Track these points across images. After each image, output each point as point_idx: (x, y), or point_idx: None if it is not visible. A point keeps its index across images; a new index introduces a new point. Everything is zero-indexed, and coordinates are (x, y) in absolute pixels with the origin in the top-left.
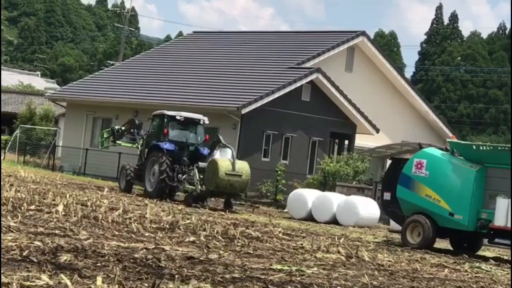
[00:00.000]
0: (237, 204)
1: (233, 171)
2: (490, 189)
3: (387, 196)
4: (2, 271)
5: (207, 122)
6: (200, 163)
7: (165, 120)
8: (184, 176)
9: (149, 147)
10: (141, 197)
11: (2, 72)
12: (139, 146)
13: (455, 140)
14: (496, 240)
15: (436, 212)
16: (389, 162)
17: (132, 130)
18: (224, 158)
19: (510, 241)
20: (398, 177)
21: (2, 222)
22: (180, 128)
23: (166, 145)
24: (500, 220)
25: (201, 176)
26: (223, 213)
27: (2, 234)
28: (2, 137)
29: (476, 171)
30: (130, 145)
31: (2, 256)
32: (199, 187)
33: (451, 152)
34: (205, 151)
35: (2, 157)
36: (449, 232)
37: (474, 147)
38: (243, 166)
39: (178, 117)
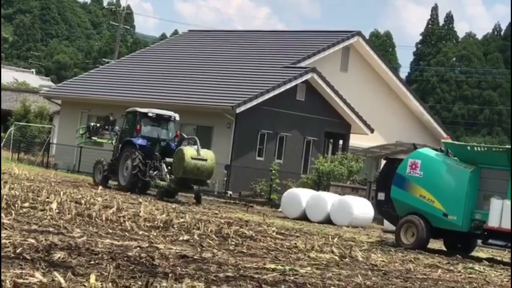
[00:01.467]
0: (232, 204)
1: (198, 155)
2: (484, 190)
3: (381, 196)
4: None
5: (178, 118)
6: (167, 158)
7: (138, 116)
8: (155, 173)
9: (123, 143)
10: (115, 191)
11: None
12: (113, 142)
13: (449, 140)
14: (490, 241)
15: (430, 213)
16: (383, 162)
17: (106, 127)
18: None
19: (511, 242)
20: (392, 177)
21: None
22: (152, 125)
23: (139, 141)
24: (494, 221)
25: (169, 168)
26: (216, 212)
27: None
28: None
29: (470, 172)
30: (105, 140)
31: None
32: (168, 180)
33: (445, 153)
34: (175, 146)
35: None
36: (443, 232)
37: (468, 148)
38: (208, 153)
39: (150, 114)
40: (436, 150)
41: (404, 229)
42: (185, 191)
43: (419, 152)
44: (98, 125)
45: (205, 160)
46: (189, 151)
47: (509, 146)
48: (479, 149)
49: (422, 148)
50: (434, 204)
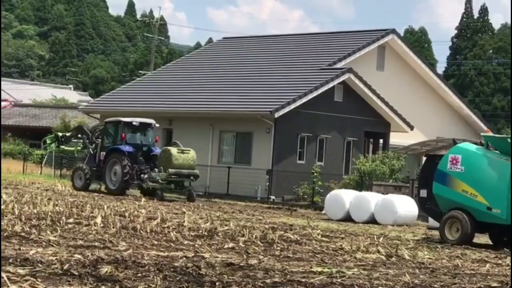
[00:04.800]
0: (276, 209)
1: (181, 149)
2: None
3: (423, 193)
4: (44, 286)
5: (157, 125)
6: (151, 162)
7: (122, 125)
8: (145, 176)
9: (108, 150)
10: (102, 194)
11: (35, 87)
12: (92, 149)
13: (489, 134)
14: None
15: (473, 207)
16: (424, 159)
17: (80, 136)
18: None
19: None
20: (433, 174)
21: (41, 237)
22: (135, 132)
23: (126, 148)
24: None
25: (156, 170)
26: (260, 217)
27: (42, 249)
28: (37, 152)
29: None
30: (72, 148)
31: (43, 271)
32: (162, 179)
33: (485, 146)
34: (156, 150)
35: (39, 171)
36: (488, 226)
37: (508, 140)
38: (187, 148)
39: (134, 123)
40: (476, 144)
41: (449, 225)
42: (179, 190)
43: (459, 147)
44: (67, 134)
45: (188, 151)
46: (173, 149)
47: None
48: None
49: (462, 143)
50: (477, 199)
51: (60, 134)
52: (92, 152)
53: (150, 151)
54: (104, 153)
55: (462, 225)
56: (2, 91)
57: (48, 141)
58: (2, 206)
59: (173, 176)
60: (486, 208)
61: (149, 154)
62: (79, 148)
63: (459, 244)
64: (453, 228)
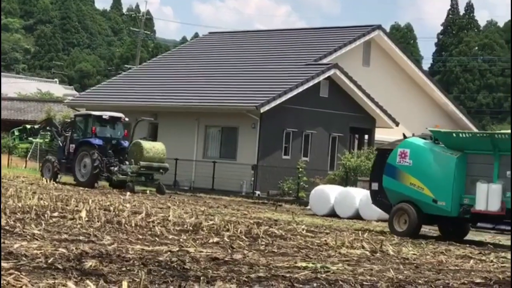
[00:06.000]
0: (261, 204)
1: (151, 142)
2: (471, 175)
3: (375, 186)
4: (28, 280)
5: (127, 119)
6: (120, 156)
7: (92, 119)
8: (115, 168)
9: (78, 143)
10: (72, 186)
11: (20, 80)
12: (60, 142)
13: (437, 129)
14: (479, 224)
15: (420, 200)
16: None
17: (49, 128)
18: None
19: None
20: (384, 168)
21: (26, 230)
22: (104, 126)
23: (96, 141)
24: (480, 204)
25: (127, 162)
26: (245, 212)
27: (26, 242)
28: (22, 145)
29: (457, 158)
30: (41, 140)
31: (28, 264)
32: (132, 171)
33: (433, 141)
34: (125, 143)
35: (23, 165)
36: (434, 218)
37: (454, 134)
38: (156, 142)
39: (104, 116)
40: (426, 139)
41: (397, 217)
42: (150, 182)
43: (408, 142)
44: (36, 127)
45: (159, 143)
46: (143, 142)
47: (493, 132)
48: (464, 135)
49: (411, 138)
50: (423, 191)
51: (28, 126)
52: (61, 145)
53: (119, 144)
54: (74, 145)
55: (410, 217)
56: None
57: (16, 133)
58: None
59: (143, 169)
60: (432, 201)
61: (118, 147)
62: (47, 140)
63: (406, 236)
64: (401, 220)
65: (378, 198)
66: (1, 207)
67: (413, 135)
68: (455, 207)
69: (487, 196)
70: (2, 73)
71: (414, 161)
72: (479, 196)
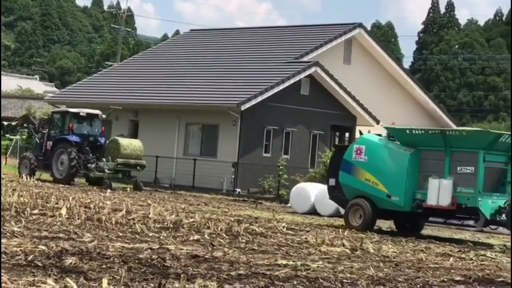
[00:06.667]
0: (241, 202)
1: (126, 139)
2: (424, 171)
3: (332, 182)
4: (7, 277)
5: (104, 116)
6: (96, 153)
7: (69, 116)
8: (93, 165)
9: (55, 140)
10: (52, 183)
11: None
12: (38, 139)
13: (393, 126)
14: (430, 219)
15: (375, 195)
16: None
17: (26, 125)
18: None
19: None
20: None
21: (5, 228)
22: (81, 122)
23: (73, 138)
24: (432, 199)
25: (104, 159)
26: (226, 210)
27: (6, 240)
28: (2, 142)
29: (410, 154)
30: (18, 137)
31: (7, 262)
32: (109, 168)
33: (388, 138)
34: (102, 140)
35: (4, 162)
36: (388, 213)
37: (407, 131)
38: (133, 139)
39: (81, 113)
40: (380, 135)
41: (352, 212)
42: (127, 179)
43: (363, 138)
44: (13, 123)
45: (136, 140)
46: (120, 139)
47: (444, 129)
48: (417, 132)
49: (366, 134)
50: (378, 187)
51: (5, 123)
52: (38, 142)
53: (97, 141)
54: (51, 142)
55: (365, 212)
56: None
57: None
58: None
59: (120, 166)
60: (386, 196)
61: (95, 144)
62: (24, 137)
63: (361, 230)
64: (356, 214)
65: (335, 193)
66: None
67: (369, 132)
68: (408, 202)
69: (438, 191)
70: None
71: (369, 157)
72: (430, 191)
